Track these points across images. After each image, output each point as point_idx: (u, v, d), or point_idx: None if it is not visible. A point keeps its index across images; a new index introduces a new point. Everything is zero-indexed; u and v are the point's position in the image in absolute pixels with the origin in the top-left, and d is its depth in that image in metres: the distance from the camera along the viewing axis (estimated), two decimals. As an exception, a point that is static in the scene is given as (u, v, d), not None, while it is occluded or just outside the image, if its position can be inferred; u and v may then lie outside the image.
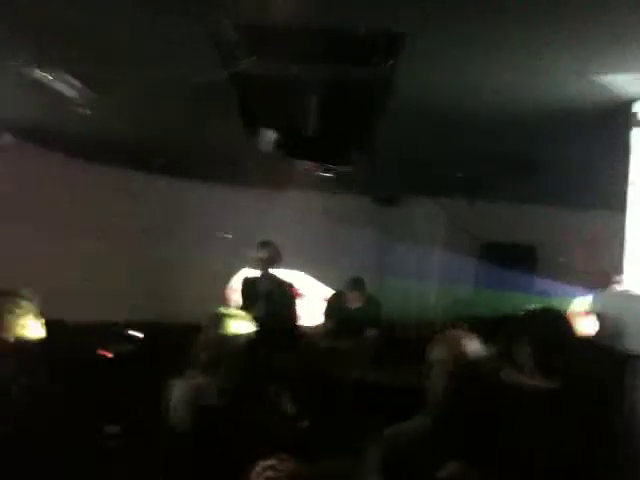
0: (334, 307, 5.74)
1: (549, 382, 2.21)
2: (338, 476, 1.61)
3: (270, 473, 1.87)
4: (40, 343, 2.84)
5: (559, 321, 2.99)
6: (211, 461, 2.39)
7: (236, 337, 2.78)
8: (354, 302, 5.61)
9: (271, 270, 5.23)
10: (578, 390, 2.20)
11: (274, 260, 5.21)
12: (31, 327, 2.80)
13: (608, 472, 1.94)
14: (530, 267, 7.21)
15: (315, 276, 7.87)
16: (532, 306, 4.14)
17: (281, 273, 5.40)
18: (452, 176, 6.32)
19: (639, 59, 3.36)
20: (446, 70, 3.72)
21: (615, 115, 4.02)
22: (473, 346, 2.34)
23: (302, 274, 7.56)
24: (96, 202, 7.07)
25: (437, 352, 2.36)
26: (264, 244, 5.26)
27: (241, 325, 2.84)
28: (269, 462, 1.86)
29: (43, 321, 2.83)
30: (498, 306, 5.50)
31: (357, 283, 5.67)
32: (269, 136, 3.65)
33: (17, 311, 2.76)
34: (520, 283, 6.50)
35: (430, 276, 7.57)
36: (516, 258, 7.27)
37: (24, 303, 2.81)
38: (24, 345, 2.79)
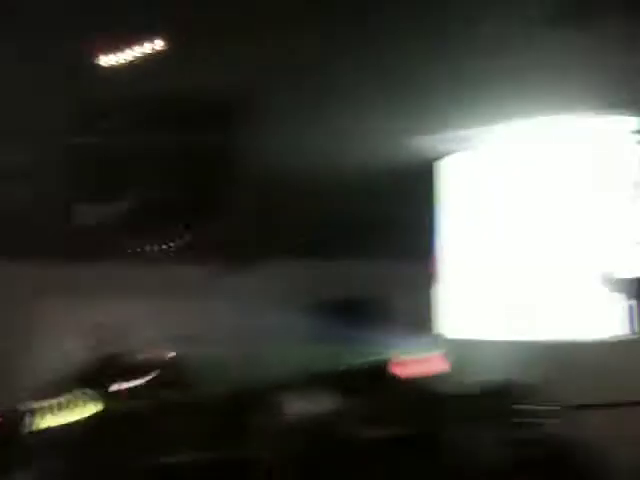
0: None
1: (384, 431, 2.31)
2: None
3: None
4: None
5: (384, 372, 3.17)
6: None
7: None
8: None
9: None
10: (410, 436, 2.30)
11: (107, 342, 4.95)
12: None
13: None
14: (366, 321, 7.50)
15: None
16: (362, 360, 4.37)
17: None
18: (294, 238, 6.51)
19: (440, 123, 3.79)
20: (279, 138, 3.93)
21: (423, 173, 4.46)
22: (299, 406, 2.41)
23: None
24: None
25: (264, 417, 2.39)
26: (96, 327, 5.01)
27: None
28: None
29: None
30: (337, 362, 5.66)
31: None
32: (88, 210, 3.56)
33: None
34: (357, 337, 6.75)
35: (270, 336, 7.63)
36: (354, 313, 7.54)
37: None
38: None
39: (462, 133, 3.96)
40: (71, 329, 5.52)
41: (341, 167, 4.55)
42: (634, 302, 3.81)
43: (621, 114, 3.85)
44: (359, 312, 7.54)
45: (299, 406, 2.51)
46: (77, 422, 2.74)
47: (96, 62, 2.84)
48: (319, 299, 7.74)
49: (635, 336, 3.79)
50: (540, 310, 3.89)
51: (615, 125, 3.94)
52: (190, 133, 3.43)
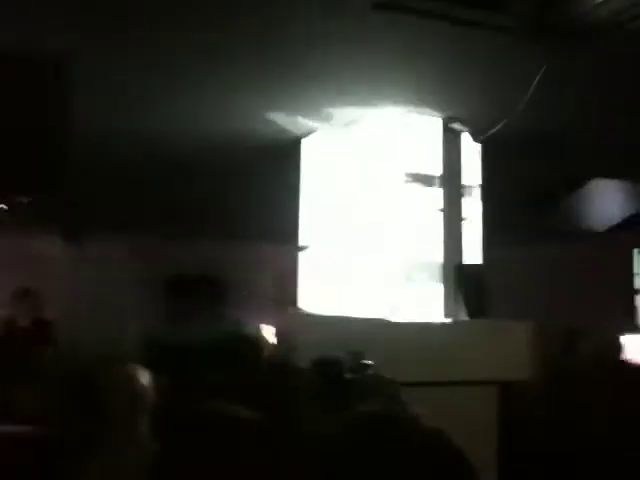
0: None
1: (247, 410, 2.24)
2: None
3: None
4: None
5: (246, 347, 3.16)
6: None
7: None
8: None
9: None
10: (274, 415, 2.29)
11: None
12: None
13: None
14: (219, 300, 7.47)
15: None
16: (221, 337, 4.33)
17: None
18: (137, 212, 6.29)
19: (305, 100, 3.80)
20: (125, 103, 3.74)
21: (287, 151, 4.47)
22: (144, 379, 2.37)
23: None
24: None
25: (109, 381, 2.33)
26: None
27: None
28: None
29: None
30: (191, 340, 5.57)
31: None
32: None
33: None
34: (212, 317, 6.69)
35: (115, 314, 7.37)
36: (208, 292, 7.47)
37: None
38: None
39: (325, 111, 4.00)
40: None
41: (202, 145, 4.44)
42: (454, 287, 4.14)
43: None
44: (213, 291, 7.51)
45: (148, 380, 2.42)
46: None
47: None
48: (171, 278, 7.61)
49: (452, 319, 4.09)
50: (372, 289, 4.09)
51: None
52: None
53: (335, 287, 4.26)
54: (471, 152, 4.38)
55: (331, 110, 3.98)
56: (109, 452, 2.31)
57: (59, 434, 3.04)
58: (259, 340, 4.21)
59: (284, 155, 4.50)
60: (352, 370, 3.05)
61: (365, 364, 3.09)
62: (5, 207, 4.50)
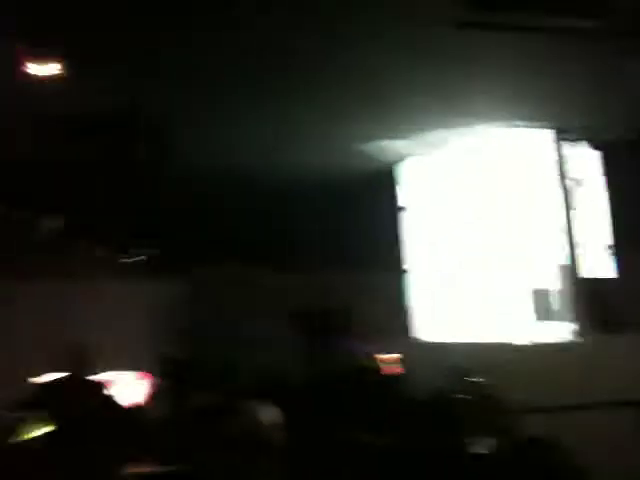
0: None
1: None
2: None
3: None
4: None
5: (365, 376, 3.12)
6: None
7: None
8: None
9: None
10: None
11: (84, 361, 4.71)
12: None
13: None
14: (341, 331, 7.48)
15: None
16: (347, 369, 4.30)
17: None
18: (257, 244, 6.46)
19: (397, 127, 3.73)
20: (217, 145, 3.85)
21: (381, 179, 4.40)
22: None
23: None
24: None
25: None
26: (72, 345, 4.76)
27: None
28: None
29: None
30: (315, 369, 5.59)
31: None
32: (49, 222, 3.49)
33: None
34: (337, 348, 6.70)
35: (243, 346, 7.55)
36: (326, 323, 7.52)
37: None
38: None
39: (421, 136, 3.91)
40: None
41: (299, 174, 4.48)
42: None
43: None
44: (331, 321, 7.52)
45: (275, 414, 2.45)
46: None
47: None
48: (290, 309, 7.73)
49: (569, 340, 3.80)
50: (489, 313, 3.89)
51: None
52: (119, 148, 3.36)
53: (449, 312, 4.10)
54: (589, 160, 4.09)
55: (425, 132, 3.88)
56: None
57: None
58: (381, 369, 4.14)
59: (380, 182, 4.44)
60: (465, 392, 2.94)
61: (478, 385, 2.96)
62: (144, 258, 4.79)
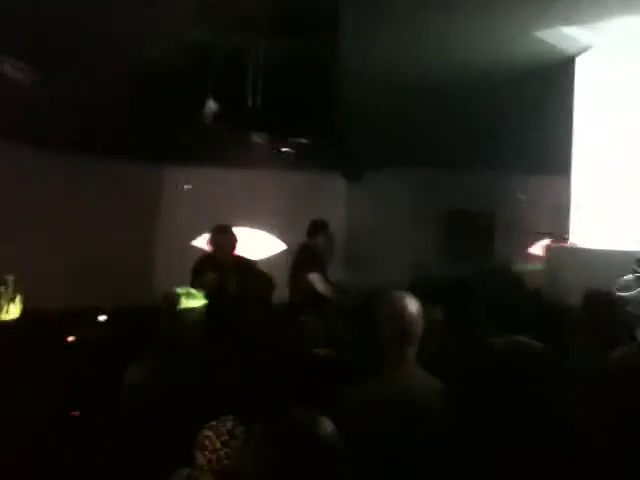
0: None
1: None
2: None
3: (226, 437, 1.95)
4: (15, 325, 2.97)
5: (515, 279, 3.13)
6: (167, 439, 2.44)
7: (191, 313, 2.87)
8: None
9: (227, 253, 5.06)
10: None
11: (231, 245, 5.05)
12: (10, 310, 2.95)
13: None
14: (489, 233, 7.38)
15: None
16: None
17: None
18: (414, 146, 6.39)
19: (581, 11, 3.39)
20: (396, 39, 3.77)
21: (558, 73, 4.07)
22: (415, 305, 2.43)
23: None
24: (65, 190, 7.12)
25: (383, 311, 2.45)
26: (221, 229, 5.09)
27: (196, 302, 2.92)
28: (219, 424, 1.94)
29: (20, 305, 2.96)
30: (459, 271, 5.62)
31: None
32: (212, 106, 3.64)
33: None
34: (479, 248, 6.66)
35: (396, 246, 7.67)
36: (476, 225, 7.45)
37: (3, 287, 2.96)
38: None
39: (601, 23, 3.54)
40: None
41: (467, 68, 4.28)
42: None
43: None
44: (485, 225, 7.43)
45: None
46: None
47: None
48: (443, 209, 7.70)
49: None
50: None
51: None
52: (298, 36, 3.38)
53: (611, 219, 3.88)
54: None
55: (610, 22, 3.51)
56: (380, 379, 2.47)
57: (344, 358, 3.37)
58: (524, 275, 4.07)
59: (555, 77, 4.12)
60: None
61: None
62: (291, 150, 4.96)
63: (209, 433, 1.94)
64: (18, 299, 3.13)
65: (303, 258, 5.56)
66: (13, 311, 3.11)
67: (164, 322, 2.92)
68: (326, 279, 5.48)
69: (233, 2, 3.17)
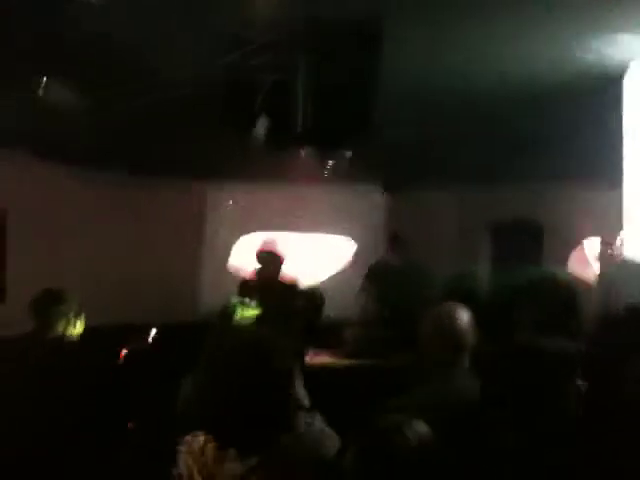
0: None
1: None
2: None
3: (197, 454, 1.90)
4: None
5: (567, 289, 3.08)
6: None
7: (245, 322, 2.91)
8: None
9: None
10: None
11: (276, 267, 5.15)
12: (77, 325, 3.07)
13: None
14: (538, 244, 7.26)
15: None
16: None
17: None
18: (458, 160, 6.36)
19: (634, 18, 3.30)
20: (438, 52, 3.77)
21: (609, 82, 3.98)
22: (465, 317, 2.43)
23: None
24: (112, 208, 7.30)
25: (431, 324, 2.45)
26: (266, 250, 5.18)
27: (251, 311, 2.98)
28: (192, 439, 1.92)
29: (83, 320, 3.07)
30: (507, 284, 5.55)
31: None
32: (263, 124, 3.70)
33: (62, 309, 3.04)
34: (528, 261, 6.55)
35: (442, 260, 7.61)
36: (524, 236, 7.35)
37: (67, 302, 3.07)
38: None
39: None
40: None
41: (514, 79, 4.23)
42: None
43: None
44: (531, 236, 7.32)
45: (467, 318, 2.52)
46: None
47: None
48: (488, 222, 7.63)
49: None
50: None
51: None
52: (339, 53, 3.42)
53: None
54: None
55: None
56: (429, 388, 2.46)
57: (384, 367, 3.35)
58: (572, 285, 3.99)
59: (606, 86, 4.03)
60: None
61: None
62: (330, 161, 5.01)
63: (182, 448, 1.94)
64: (82, 314, 3.24)
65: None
66: (80, 326, 3.21)
67: (218, 332, 2.97)
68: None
69: (279, 24, 3.23)
